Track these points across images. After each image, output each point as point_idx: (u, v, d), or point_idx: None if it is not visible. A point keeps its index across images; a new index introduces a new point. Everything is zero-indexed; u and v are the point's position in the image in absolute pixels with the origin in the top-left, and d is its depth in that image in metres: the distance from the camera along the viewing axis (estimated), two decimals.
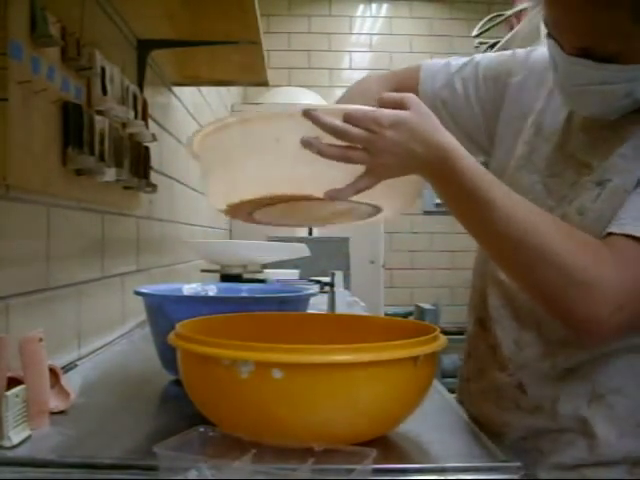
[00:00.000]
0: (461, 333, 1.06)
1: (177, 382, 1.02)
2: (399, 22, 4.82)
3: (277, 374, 0.68)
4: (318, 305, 1.59)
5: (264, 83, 2.30)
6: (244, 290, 1.26)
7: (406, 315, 4.27)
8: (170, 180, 2.18)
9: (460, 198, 0.76)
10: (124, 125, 1.50)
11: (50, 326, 1.16)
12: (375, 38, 4.82)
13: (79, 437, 0.79)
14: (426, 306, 4.16)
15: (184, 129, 2.43)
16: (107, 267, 1.50)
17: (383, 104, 0.72)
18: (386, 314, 3.71)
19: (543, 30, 0.84)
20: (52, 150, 1.13)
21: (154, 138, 1.69)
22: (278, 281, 2.13)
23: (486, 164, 0.95)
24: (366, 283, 3.74)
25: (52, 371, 0.87)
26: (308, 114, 0.70)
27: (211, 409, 0.76)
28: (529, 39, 2.65)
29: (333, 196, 0.72)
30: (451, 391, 1.06)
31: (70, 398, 0.88)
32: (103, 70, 1.31)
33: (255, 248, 2.10)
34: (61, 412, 0.86)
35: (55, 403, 0.86)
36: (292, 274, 2.46)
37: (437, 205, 4.36)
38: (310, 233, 3.57)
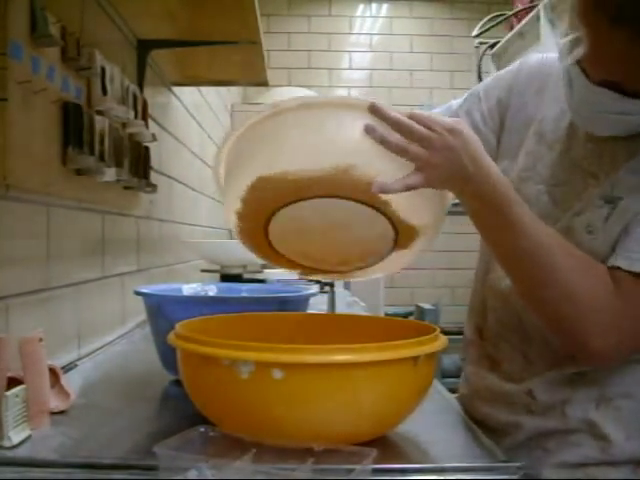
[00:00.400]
0: (461, 333, 1.06)
1: (177, 382, 1.02)
2: (399, 22, 4.82)
3: (277, 374, 0.68)
4: (318, 305, 1.59)
5: (264, 83, 2.30)
6: (244, 290, 1.26)
7: (406, 315, 4.27)
8: (170, 180, 2.18)
9: (492, 219, 0.80)
10: (124, 125, 1.50)
11: (50, 326, 1.16)
12: (375, 38, 4.82)
13: (79, 437, 0.79)
14: (426, 306, 4.15)
15: (184, 129, 2.43)
16: (107, 267, 1.50)
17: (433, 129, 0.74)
18: (386, 314, 3.70)
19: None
20: (52, 150, 1.13)
21: (154, 138, 1.69)
22: (278, 281, 2.13)
23: None
24: (366, 283, 3.74)
25: (52, 371, 0.87)
26: (375, 107, 0.73)
27: (211, 409, 0.76)
28: (529, 39, 2.65)
29: (382, 187, 0.73)
30: (451, 391, 1.06)
31: (70, 398, 0.88)
32: (103, 70, 1.31)
33: None
34: (61, 412, 0.86)
35: (55, 403, 0.86)
36: (292, 274, 2.46)
37: None
38: None
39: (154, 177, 1.79)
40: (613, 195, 0.83)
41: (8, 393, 0.73)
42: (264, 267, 2.31)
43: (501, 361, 0.94)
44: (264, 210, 0.81)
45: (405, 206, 0.78)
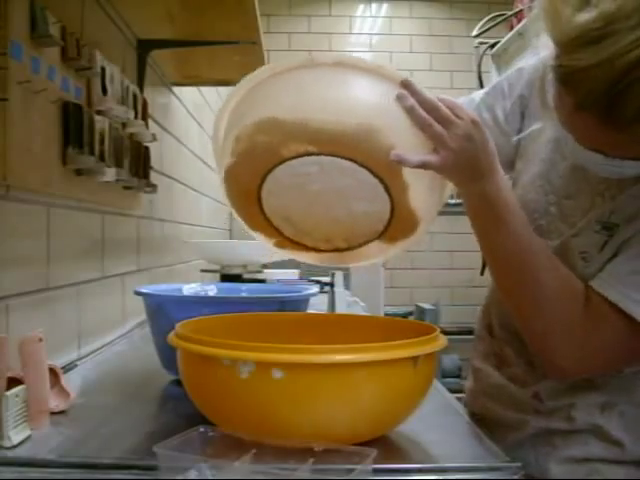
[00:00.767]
0: (461, 333, 1.06)
1: (177, 382, 1.02)
2: (399, 22, 4.82)
3: (277, 374, 0.68)
4: (318, 305, 1.59)
5: None
6: (244, 290, 1.26)
7: (406, 315, 4.27)
8: (170, 180, 2.18)
9: (489, 220, 0.81)
10: (124, 125, 1.50)
11: (50, 326, 1.16)
12: (375, 38, 4.82)
13: (79, 437, 0.79)
14: (426, 306, 4.16)
15: (184, 129, 2.43)
16: (107, 267, 1.50)
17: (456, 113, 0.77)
18: (386, 314, 3.70)
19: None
20: (52, 150, 1.13)
21: (154, 138, 1.69)
22: (278, 281, 2.13)
23: None
24: (366, 283, 3.74)
25: (52, 371, 0.87)
26: (407, 82, 0.75)
27: (211, 409, 0.76)
28: (529, 39, 2.65)
29: (400, 157, 0.73)
30: (451, 391, 1.06)
31: (70, 398, 0.88)
32: (103, 70, 1.31)
33: (255, 248, 2.10)
34: (61, 412, 0.86)
35: (55, 403, 0.86)
36: (292, 274, 2.46)
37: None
38: None
39: (154, 177, 1.79)
40: (610, 221, 0.81)
41: (8, 393, 0.73)
42: (264, 267, 2.31)
43: (507, 362, 0.94)
44: (269, 157, 0.77)
45: (421, 196, 0.79)
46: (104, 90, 1.31)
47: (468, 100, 1.04)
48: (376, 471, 0.64)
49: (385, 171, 0.76)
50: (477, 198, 0.80)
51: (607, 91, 0.62)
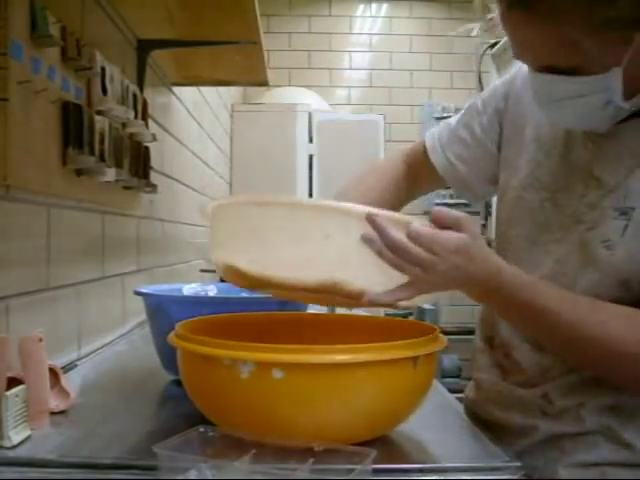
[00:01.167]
0: (461, 333, 1.06)
1: (177, 382, 1.02)
2: (399, 22, 4.81)
3: (277, 374, 0.68)
4: (318, 305, 1.59)
5: (264, 83, 2.30)
6: (244, 290, 1.26)
7: (406, 315, 4.27)
8: (170, 180, 2.18)
9: (511, 308, 0.79)
10: (124, 125, 1.50)
11: (50, 326, 1.16)
12: (375, 38, 4.82)
13: (79, 437, 0.79)
14: (426, 306, 4.15)
15: (184, 129, 2.43)
16: (107, 267, 1.50)
17: (439, 222, 0.72)
18: (386, 314, 3.70)
19: None
20: (52, 150, 1.13)
21: (154, 138, 1.69)
22: None
23: None
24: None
25: (52, 371, 0.87)
26: (372, 220, 0.69)
27: (211, 409, 0.76)
28: None
29: (373, 300, 0.71)
30: (451, 391, 1.06)
31: (70, 398, 0.88)
32: (103, 70, 1.31)
33: None
34: (61, 412, 0.86)
35: (55, 403, 0.86)
36: None
37: (437, 205, 4.35)
38: None
39: (154, 177, 1.79)
40: (626, 206, 0.81)
41: (8, 393, 0.73)
42: None
43: (513, 370, 0.93)
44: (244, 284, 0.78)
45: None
46: (104, 90, 1.31)
47: (445, 126, 1.09)
48: (376, 471, 0.64)
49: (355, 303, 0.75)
50: (489, 295, 0.78)
51: None
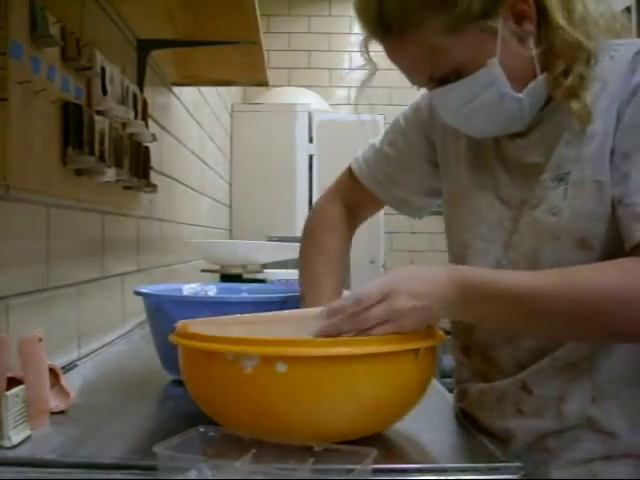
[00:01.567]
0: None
1: (177, 382, 1.02)
2: None
3: (281, 367, 0.68)
4: None
5: (264, 83, 2.30)
6: (244, 290, 1.26)
7: None
8: (170, 180, 2.18)
9: (499, 306, 0.77)
10: (124, 125, 1.50)
11: (50, 326, 1.16)
12: None
13: (79, 437, 0.79)
14: None
15: (184, 129, 2.43)
16: (107, 267, 1.50)
17: (370, 302, 0.74)
18: None
19: None
20: (52, 150, 1.13)
21: (154, 138, 1.69)
22: (278, 281, 2.13)
23: None
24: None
25: (52, 371, 0.87)
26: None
27: (214, 406, 0.76)
28: None
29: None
30: (451, 391, 1.06)
31: (70, 398, 0.88)
32: (103, 70, 1.31)
33: (255, 248, 2.10)
34: (61, 412, 0.86)
35: (55, 403, 0.86)
36: (292, 274, 2.46)
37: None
38: None
39: (154, 177, 1.79)
40: (562, 172, 0.83)
41: (8, 393, 0.73)
42: (264, 267, 2.31)
43: (493, 370, 0.92)
44: None
45: None
46: (104, 90, 1.31)
47: (368, 147, 1.10)
48: (376, 471, 0.64)
49: None
50: (469, 303, 0.77)
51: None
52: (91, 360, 1.28)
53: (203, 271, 2.21)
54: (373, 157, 1.09)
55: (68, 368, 1.16)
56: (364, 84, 0.94)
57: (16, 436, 0.73)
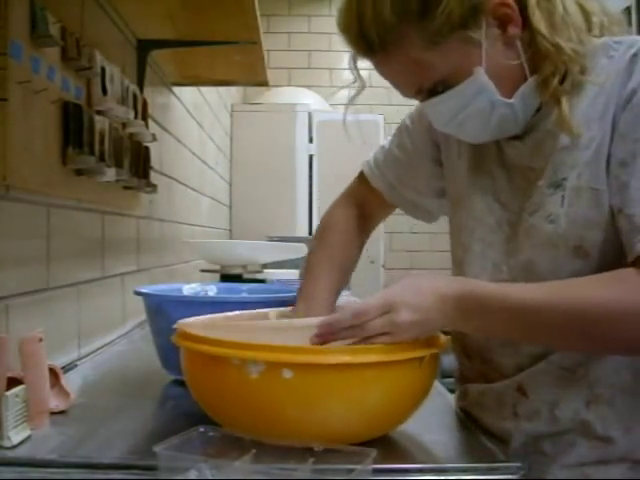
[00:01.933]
0: (461, 333, 1.05)
1: (177, 382, 1.03)
2: None
3: (287, 374, 0.68)
4: None
5: (264, 83, 2.30)
6: (244, 290, 1.26)
7: None
8: (170, 180, 2.18)
9: (498, 319, 0.77)
10: (124, 125, 1.50)
11: (50, 326, 1.15)
12: None
13: (79, 437, 0.79)
14: None
15: (184, 129, 2.43)
16: (107, 267, 1.50)
17: (369, 317, 0.74)
18: None
19: None
20: (52, 150, 1.13)
21: (154, 138, 1.69)
22: (278, 281, 2.13)
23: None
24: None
25: (52, 371, 0.87)
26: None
27: (218, 410, 0.76)
28: None
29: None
30: (451, 391, 1.06)
31: (70, 398, 0.88)
32: (103, 70, 1.31)
33: (255, 248, 2.10)
34: (61, 412, 0.86)
35: (55, 403, 0.86)
36: (292, 274, 2.46)
37: None
38: (310, 233, 3.57)
39: (154, 177, 1.79)
40: (559, 178, 0.82)
41: (8, 393, 0.73)
42: (264, 267, 2.31)
43: (493, 373, 0.92)
44: None
45: None
46: (104, 90, 1.31)
47: (378, 149, 1.10)
48: (376, 471, 0.64)
49: None
50: (467, 315, 0.77)
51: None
52: (91, 360, 1.28)
53: (203, 271, 2.21)
54: (383, 159, 1.08)
55: (68, 368, 1.16)
56: (351, 101, 0.95)
57: (16, 436, 0.73)
